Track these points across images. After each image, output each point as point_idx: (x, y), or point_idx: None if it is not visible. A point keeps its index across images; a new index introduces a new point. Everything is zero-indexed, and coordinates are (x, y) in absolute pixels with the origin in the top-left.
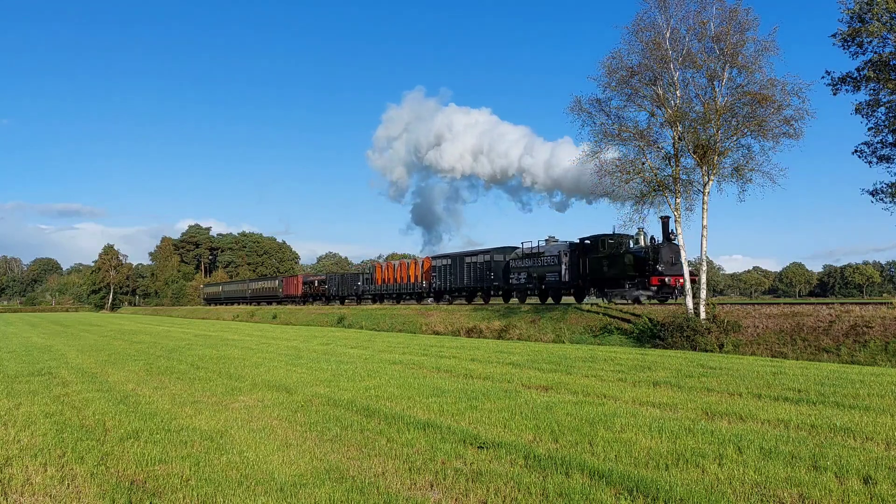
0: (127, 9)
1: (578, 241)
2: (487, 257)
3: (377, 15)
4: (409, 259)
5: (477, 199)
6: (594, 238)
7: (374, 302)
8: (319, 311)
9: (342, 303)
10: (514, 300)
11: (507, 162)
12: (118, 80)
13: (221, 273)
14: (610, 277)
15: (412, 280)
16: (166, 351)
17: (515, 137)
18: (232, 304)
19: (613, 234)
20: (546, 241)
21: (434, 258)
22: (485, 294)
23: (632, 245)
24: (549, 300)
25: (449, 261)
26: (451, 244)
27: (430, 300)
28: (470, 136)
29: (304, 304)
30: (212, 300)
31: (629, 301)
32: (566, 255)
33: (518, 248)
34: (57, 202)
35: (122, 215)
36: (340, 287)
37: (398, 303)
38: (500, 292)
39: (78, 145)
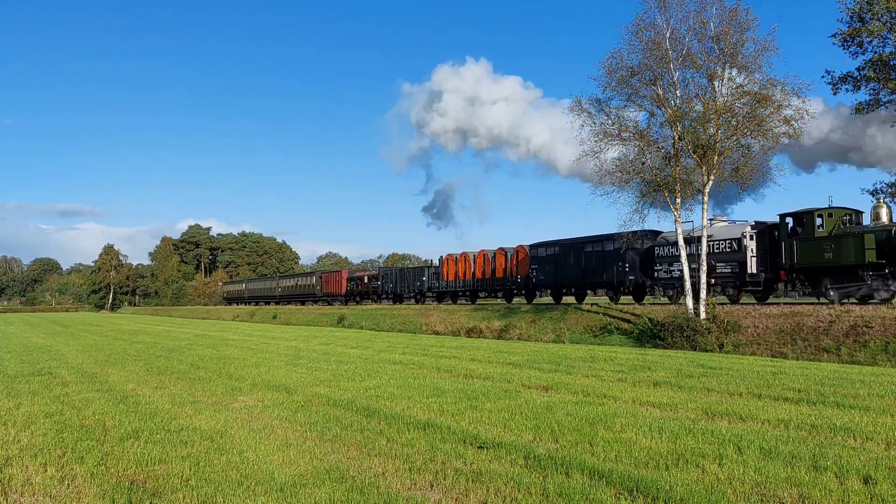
0: (127, 8)
1: (778, 217)
2: (618, 244)
3: (375, 14)
4: (491, 250)
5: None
6: (803, 214)
7: (441, 301)
8: (320, 311)
9: (398, 302)
10: (661, 299)
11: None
12: (119, 81)
13: (221, 273)
14: (837, 267)
15: (500, 274)
16: (166, 351)
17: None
18: (258, 303)
19: (834, 208)
20: (711, 220)
21: (535, 246)
22: (611, 290)
23: (868, 222)
24: (723, 298)
25: (557, 249)
26: (473, 239)
27: (519, 299)
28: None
29: (346, 304)
30: (234, 300)
31: (878, 300)
32: (751, 239)
33: (664, 231)
34: (58, 202)
35: (123, 215)
36: (398, 284)
37: (472, 301)
38: (630, 288)
39: (80, 146)
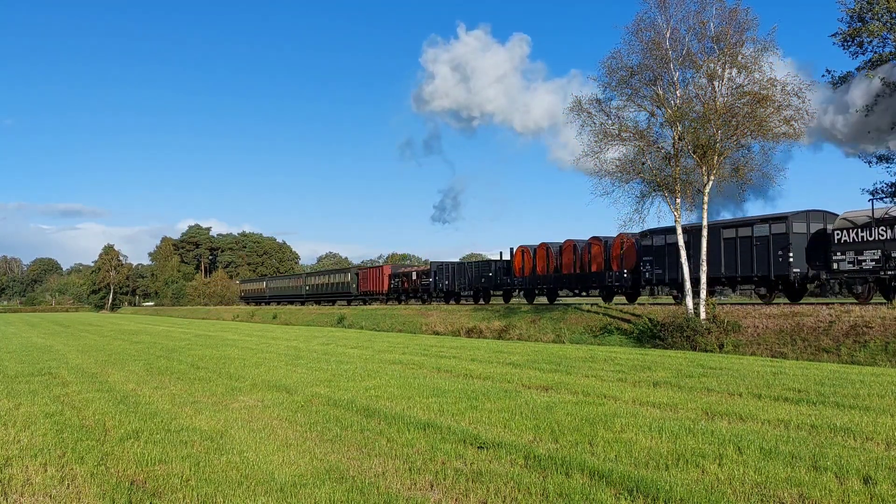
0: (127, 9)
1: None
2: (778, 227)
3: (373, 13)
4: (581, 240)
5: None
6: None
7: (507, 300)
8: (319, 311)
9: (455, 301)
10: (844, 301)
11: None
12: (120, 81)
13: (221, 273)
14: None
15: (595, 267)
16: (166, 351)
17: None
18: (280, 303)
19: None
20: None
21: (647, 234)
22: (764, 286)
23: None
24: None
25: (686, 237)
26: (484, 238)
27: (620, 298)
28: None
29: (386, 303)
30: (253, 299)
31: None
32: None
33: (840, 214)
34: (59, 202)
35: (124, 215)
36: (456, 280)
37: (551, 301)
38: (797, 283)
39: (81, 146)
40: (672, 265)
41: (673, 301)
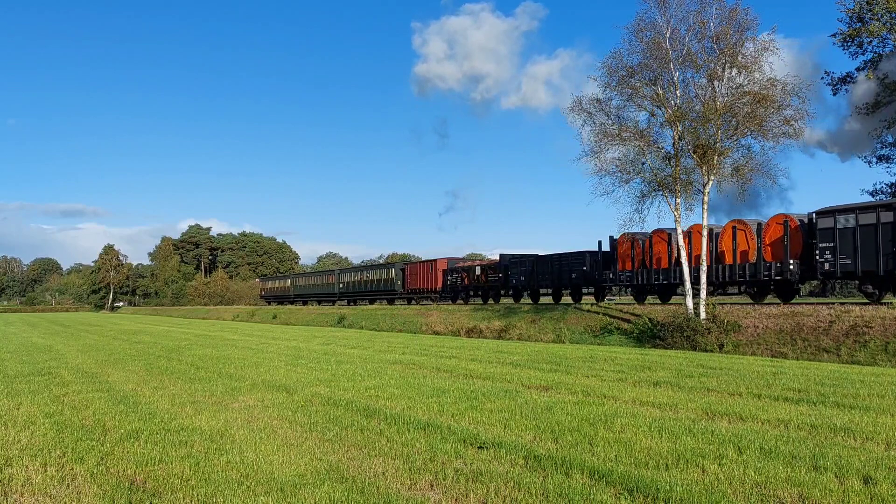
0: (127, 9)
1: None
2: None
3: (373, 12)
4: (714, 225)
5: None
6: None
7: (600, 298)
8: (319, 311)
9: (532, 300)
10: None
11: None
12: (121, 82)
13: (221, 273)
14: None
15: (740, 258)
16: (166, 351)
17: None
18: (306, 302)
19: None
20: None
21: (827, 213)
22: None
23: None
24: None
25: (872, 215)
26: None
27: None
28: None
29: (439, 302)
30: (276, 298)
31: None
32: None
33: None
34: (60, 202)
35: (125, 215)
36: (535, 277)
37: (664, 301)
38: None
39: (82, 146)
40: (868, 252)
41: (868, 301)
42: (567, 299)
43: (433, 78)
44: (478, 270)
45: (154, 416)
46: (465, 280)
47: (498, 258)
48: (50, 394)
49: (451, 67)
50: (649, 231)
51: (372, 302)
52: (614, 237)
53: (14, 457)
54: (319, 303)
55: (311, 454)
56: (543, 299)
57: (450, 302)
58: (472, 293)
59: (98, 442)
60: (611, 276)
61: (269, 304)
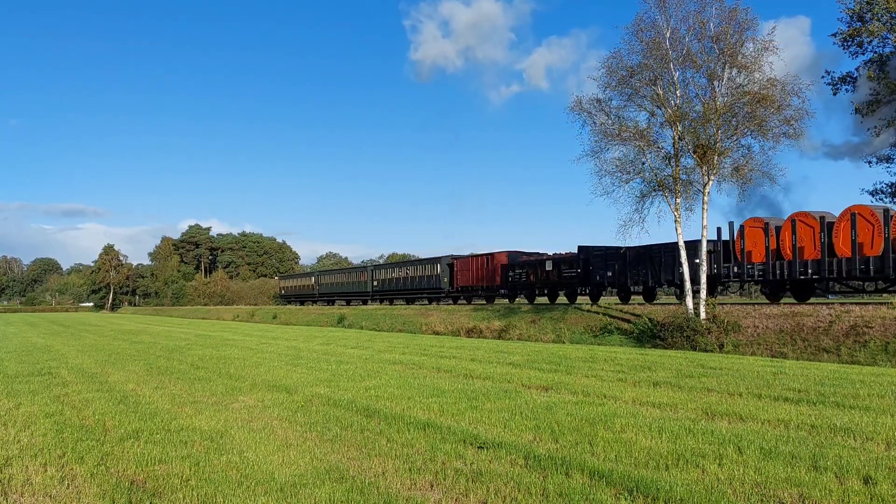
0: (128, 9)
1: None
2: None
3: (375, 11)
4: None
5: None
6: None
7: (713, 292)
8: (319, 311)
9: (622, 299)
10: None
11: None
12: (122, 82)
13: (221, 273)
14: None
15: (852, 251)
16: (166, 351)
17: None
18: (331, 302)
19: None
20: None
21: None
22: None
23: None
24: None
25: None
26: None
27: None
28: None
29: (492, 302)
30: (297, 297)
31: None
32: None
33: None
34: (61, 202)
35: (126, 215)
36: (627, 271)
37: (801, 301)
38: None
39: (83, 146)
40: None
41: None
42: (668, 298)
43: (430, 66)
44: (548, 265)
45: (154, 416)
46: (531, 277)
47: (574, 251)
48: (50, 394)
49: (447, 51)
50: (783, 217)
51: (411, 302)
52: (734, 223)
53: (14, 457)
54: (348, 303)
55: (311, 454)
56: (606, 299)
57: (508, 302)
58: (537, 291)
59: (98, 442)
60: (736, 269)
61: (289, 303)
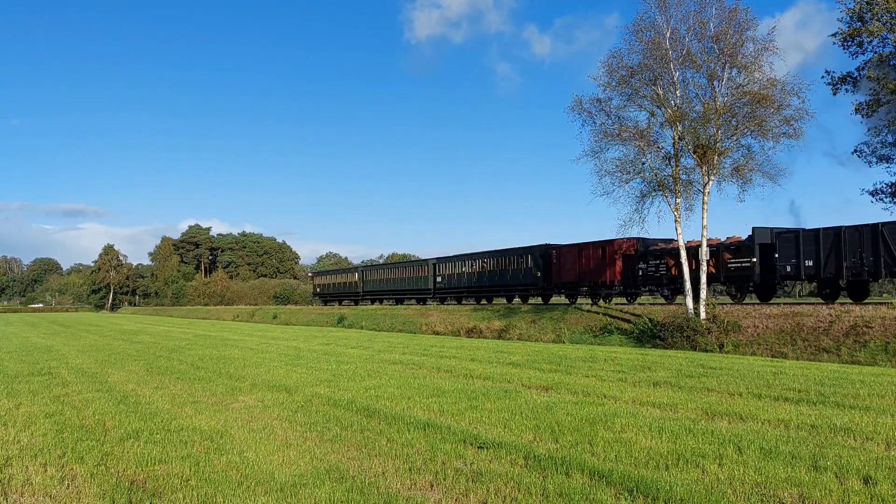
0: (128, 9)
1: None
2: None
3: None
4: None
5: None
6: None
7: None
8: (319, 311)
9: (827, 297)
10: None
11: None
12: (122, 82)
13: (221, 273)
14: None
15: None
16: (166, 351)
17: None
18: (381, 302)
19: None
20: None
21: None
22: None
23: None
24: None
25: None
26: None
27: None
28: None
29: (608, 301)
30: (337, 296)
31: None
32: None
33: None
34: (62, 202)
35: (126, 215)
36: (832, 257)
37: None
38: None
39: (84, 146)
40: None
41: None
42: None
43: (426, 56)
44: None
45: (154, 416)
46: (672, 269)
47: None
48: (50, 394)
49: (443, 33)
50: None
51: (490, 300)
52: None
53: (14, 457)
54: (400, 301)
55: (311, 454)
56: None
57: (626, 301)
58: (677, 288)
59: (98, 442)
60: None
61: (327, 303)
